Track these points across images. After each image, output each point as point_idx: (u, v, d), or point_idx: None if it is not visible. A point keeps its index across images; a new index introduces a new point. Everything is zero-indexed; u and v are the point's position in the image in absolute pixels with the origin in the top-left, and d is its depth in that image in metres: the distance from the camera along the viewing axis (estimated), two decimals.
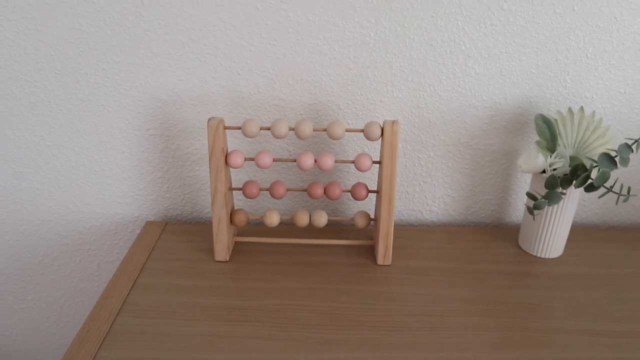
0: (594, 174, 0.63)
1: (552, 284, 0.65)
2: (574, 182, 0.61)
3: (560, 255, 0.70)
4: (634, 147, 0.63)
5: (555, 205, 0.65)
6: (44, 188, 0.76)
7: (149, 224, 0.75)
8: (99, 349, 0.53)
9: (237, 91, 0.69)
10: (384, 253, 0.67)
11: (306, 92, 0.69)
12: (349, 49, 0.66)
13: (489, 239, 0.73)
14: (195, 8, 0.63)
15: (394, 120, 0.61)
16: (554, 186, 0.61)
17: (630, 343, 0.55)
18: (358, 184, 0.66)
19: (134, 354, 0.52)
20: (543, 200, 0.60)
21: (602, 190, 0.75)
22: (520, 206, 0.78)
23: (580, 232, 0.75)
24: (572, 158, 0.64)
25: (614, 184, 0.67)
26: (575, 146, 0.65)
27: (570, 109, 0.65)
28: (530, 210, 0.60)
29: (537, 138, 0.73)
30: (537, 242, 0.69)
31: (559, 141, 0.64)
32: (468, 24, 0.64)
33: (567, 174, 0.62)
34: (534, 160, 0.64)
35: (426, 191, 0.77)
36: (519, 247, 0.71)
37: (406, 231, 0.75)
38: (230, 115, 0.70)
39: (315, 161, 0.63)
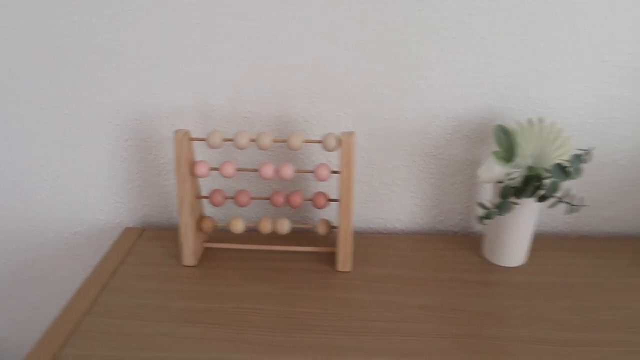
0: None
1: (511, 292, 0.65)
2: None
3: (523, 264, 0.71)
4: (586, 157, 0.64)
5: (514, 214, 0.66)
6: (32, 196, 0.81)
7: (127, 230, 0.79)
8: (63, 346, 0.57)
9: (209, 104, 0.72)
10: (344, 259, 0.69)
11: (274, 105, 0.72)
12: (315, 62, 0.69)
13: (455, 247, 0.74)
14: (168, 25, 0.67)
15: (351, 132, 0.64)
16: (506, 196, 0.62)
17: (580, 352, 0.56)
18: (318, 193, 0.68)
19: (96, 352, 0.56)
20: (494, 210, 0.61)
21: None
22: None
23: (548, 241, 0.76)
24: (530, 168, 0.65)
25: (566, 194, 0.68)
26: (535, 156, 0.66)
27: (530, 120, 0.66)
28: (480, 220, 0.62)
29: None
30: (498, 251, 0.70)
31: (518, 151, 0.65)
32: (431, 37, 0.66)
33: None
34: (491, 170, 0.65)
35: (393, 200, 0.78)
36: (483, 256, 0.72)
37: (373, 239, 0.76)
38: (201, 127, 0.74)
39: (278, 171, 0.66)
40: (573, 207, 0.61)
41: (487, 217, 0.61)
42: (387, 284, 0.67)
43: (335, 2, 0.65)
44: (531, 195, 0.61)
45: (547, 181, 0.61)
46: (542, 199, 0.61)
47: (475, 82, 0.69)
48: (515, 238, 0.68)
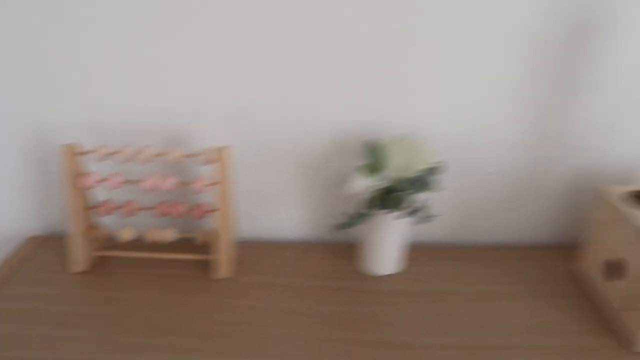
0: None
1: (376, 299, 0.70)
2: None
3: (396, 273, 0.75)
4: (439, 169, 0.68)
5: (383, 225, 0.70)
6: None
7: (30, 239, 0.82)
8: None
9: (102, 120, 0.76)
10: (223, 267, 0.73)
11: (166, 119, 0.76)
12: (200, 80, 0.73)
13: (336, 256, 0.79)
14: (65, 42, 0.71)
15: (226, 146, 0.68)
16: (370, 207, 0.66)
17: (426, 354, 0.60)
18: (198, 204, 0.73)
19: None
20: (349, 221, 0.66)
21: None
22: None
23: (428, 251, 0.80)
24: (393, 181, 0.69)
25: (421, 206, 0.71)
26: (401, 170, 0.70)
27: (399, 135, 0.70)
28: (337, 229, 0.66)
29: None
30: (371, 260, 0.74)
31: (384, 165, 0.70)
32: (307, 52, 0.71)
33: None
34: (357, 183, 0.69)
35: (281, 210, 0.83)
36: (359, 265, 0.76)
37: (261, 248, 0.80)
38: (97, 141, 0.78)
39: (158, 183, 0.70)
40: (424, 219, 0.65)
41: (343, 227, 0.65)
42: (263, 291, 0.71)
43: (210, 23, 0.70)
44: (392, 206, 0.65)
45: (399, 194, 0.66)
46: (395, 210, 0.66)
47: (351, 99, 0.74)
48: (386, 247, 0.72)
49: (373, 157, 0.70)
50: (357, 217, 0.66)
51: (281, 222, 0.84)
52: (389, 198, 0.65)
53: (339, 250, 0.80)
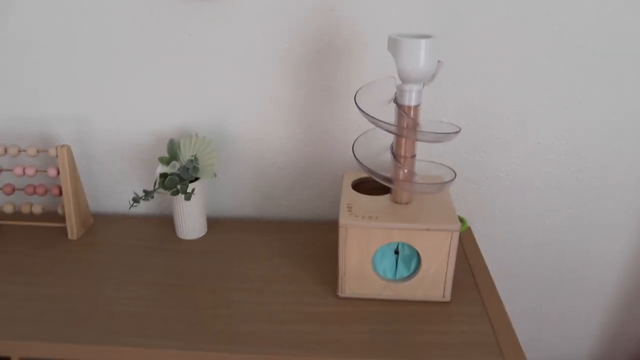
0: (199, 183, 0.94)
1: (184, 256, 0.94)
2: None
3: (200, 238, 0.99)
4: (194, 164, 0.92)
5: (182, 201, 0.94)
6: None
7: None
8: None
9: None
10: (75, 231, 0.99)
11: (32, 123, 1.03)
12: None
13: (163, 225, 1.04)
14: None
15: (64, 145, 0.95)
16: (164, 187, 0.90)
17: (211, 290, 0.84)
18: (55, 185, 0.99)
19: None
20: (139, 197, 0.91)
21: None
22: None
23: (232, 222, 1.04)
24: (180, 169, 0.92)
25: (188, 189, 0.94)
26: (190, 162, 0.93)
27: (190, 134, 0.94)
28: (132, 203, 0.90)
29: None
30: (180, 228, 0.98)
31: (177, 157, 0.93)
32: (133, 62, 0.97)
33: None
34: (158, 169, 0.93)
35: (121, 191, 1.09)
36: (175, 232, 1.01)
37: (105, 219, 1.07)
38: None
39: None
40: (188, 197, 0.89)
41: (136, 200, 0.90)
42: (104, 248, 0.96)
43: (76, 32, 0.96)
44: (170, 187, 0.89)
45: (173, 177, 0.90)
46: (175, 192, 0.90)
47: (171, 105, 1.00)
48: (188, 218, 0.96)
49: (171, 151, 0.94)
50: (147, 194, 0.90)
51: (121, 200, 1.10)
52: (168, 181, 0.89)
53: (165, 221, 1.05)
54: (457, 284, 0.83)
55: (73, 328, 0.75)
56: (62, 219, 1.02)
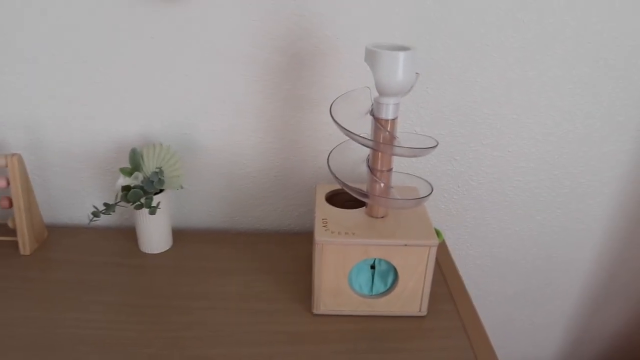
0: (165, 195, 0.89)
1: (146, 271, 0.89)
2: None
3: (164, 251, 0.94)
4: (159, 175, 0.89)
5: (144, 213, 0.89)
6: None
7: None
8: None
9: None
10: (27, 245, 0.92)
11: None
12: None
13: (124, 238, 0.98)
14: None
15: (15, 154, 0.87)
16: (125, 200, 0.85)
17: (170, 310, 0.79)
18: (5, 197, 0.92)
19: None
20: (99, 210, 0.85)
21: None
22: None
23: (198, 235, 0.99)
24: (144, 180, 0.87)
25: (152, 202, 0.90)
26: (154, 172, 0.88)
27: (154, 143, 0.89)
28: (91, 216, 0.84)
29: None
30: (142, 241, 0.93)
31: (141, 168, 0.88)
32: (91, 65, 0.90)
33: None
34: (118, 181, 0.88)
35: (80, 203, 1.03)
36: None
37: (61, 231, 0.99)
38: None
39: None
40: (152, 211, 0.84)
41: (96, 214, 0.84)
42: (61, 264, 0.89)
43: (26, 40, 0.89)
44: (132, 200, 0.84)
45: (136, 190, 0.84)
46: (139, 206, 0.85)
47: (136, 110, 0.94)
48: (151, 231, 0.91)
49: (133, 161, 0.88)
50: (108, 208, 0.85)
51: (79, 211, 1.04)
52: (131, 194, 0.84)
53: (127, 234, 0.99)
54: (432, 295, 0.81)
55: (27, 359, 0.69)
56: (12, 232, 0.95)
